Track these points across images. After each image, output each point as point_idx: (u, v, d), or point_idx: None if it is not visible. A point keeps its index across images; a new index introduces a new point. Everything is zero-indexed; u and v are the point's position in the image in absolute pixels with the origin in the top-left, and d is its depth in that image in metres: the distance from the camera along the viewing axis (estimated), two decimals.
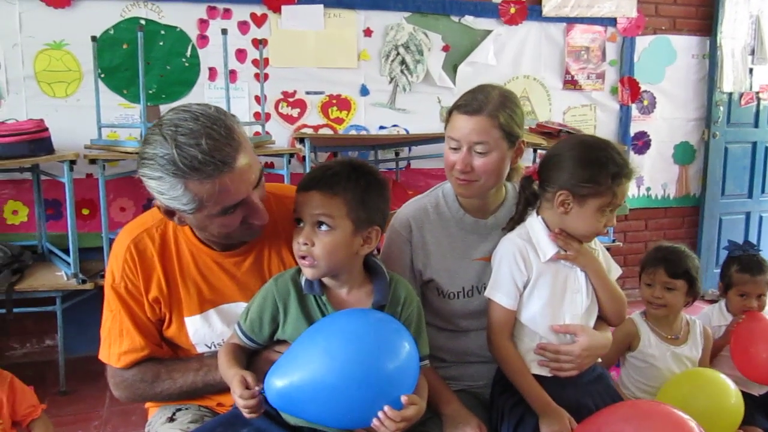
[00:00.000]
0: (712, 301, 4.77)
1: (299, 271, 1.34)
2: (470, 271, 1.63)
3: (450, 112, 1.58)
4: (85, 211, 3.48)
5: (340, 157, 1.34)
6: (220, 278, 1.45)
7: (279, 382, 1.17)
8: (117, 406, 2.99)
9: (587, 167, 1.43)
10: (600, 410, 1.45)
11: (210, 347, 1.47)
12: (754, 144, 4.93)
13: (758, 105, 4.86)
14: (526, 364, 1.51)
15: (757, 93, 4.83)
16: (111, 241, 3.08)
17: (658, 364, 2.05)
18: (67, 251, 3.10)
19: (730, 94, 4.75)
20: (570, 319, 1.51)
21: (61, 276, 3.10)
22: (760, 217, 5.03)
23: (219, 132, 1.21)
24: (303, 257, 1.28)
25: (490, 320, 1.53)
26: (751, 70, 4.78)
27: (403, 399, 1.15)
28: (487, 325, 1.55)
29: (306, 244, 1.26)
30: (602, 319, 1.60)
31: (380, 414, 1.14)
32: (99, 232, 3.25)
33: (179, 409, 1.52)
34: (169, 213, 1.32)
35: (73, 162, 2.96)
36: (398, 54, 3.96)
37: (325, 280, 1.32)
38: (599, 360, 1.60)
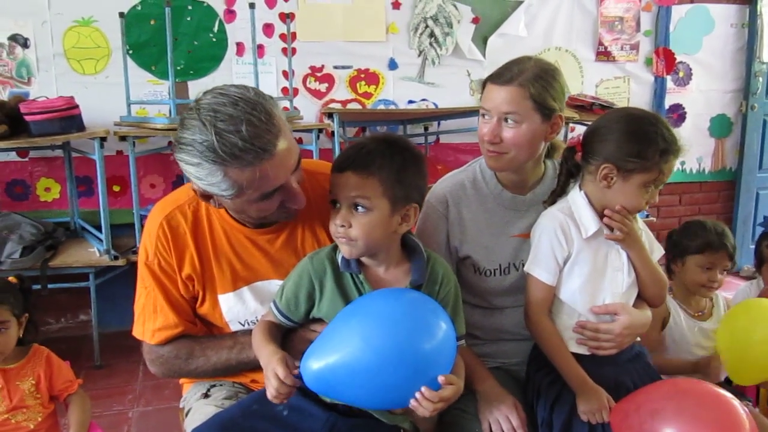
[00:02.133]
0: (748, 278, 4.70)
1: (335, 249, 1.32)
2: (507, 247, 1.59)
3: (484, 84, 1.55)
4: (116, 188, 3.50)
5: (374, 134, 1.31)
6: (253, 255, 1.44)
7: (315, 364, 1.15)
8: (150, 380, 3.03)
9: (635, 141, 1.38)
10: (639, 389, 1.42)
11: (243, 325, 1.46)
12: None
13: None
14: (564, 342, 1.48)
15: None
16: (142, 218, 3.10)
17: (688, 340, 2.01)
18: (99, 228, 3.13)
19: None
20: (611, 298, 1.47)
21: (93, 252, 3.13)
22: None
23: (259, 118, 1.18)
24: (340, 237, 1.26)
25: (529, 296, 1.50)
26: None
27: (440, 379, 1.13)
28: (525, 301, 1.52)
29: (343, 225, 1.24)
30: (640, 298, 1.56)
31: (417, 395, 1.12)
32: (130, 208, 3.27)
33: (214, 386, 1.52)
34: (206, 197, 1.30)
35: (103, 139, 2.98)
36: (427, 26, 3.90)
37: (363, 258, 1.30)
38: (638, 338, 1.56)
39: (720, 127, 4.68)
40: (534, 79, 1.46)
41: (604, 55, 4.30)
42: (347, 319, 1.19)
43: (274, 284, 1.42)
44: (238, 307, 1.45)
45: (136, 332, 1.48)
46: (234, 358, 1.43)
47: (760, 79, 4.60)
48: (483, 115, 1.53)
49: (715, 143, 4.70)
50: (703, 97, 4.58)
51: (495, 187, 1.61)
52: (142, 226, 3.11)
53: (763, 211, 4.83)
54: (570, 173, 1.52)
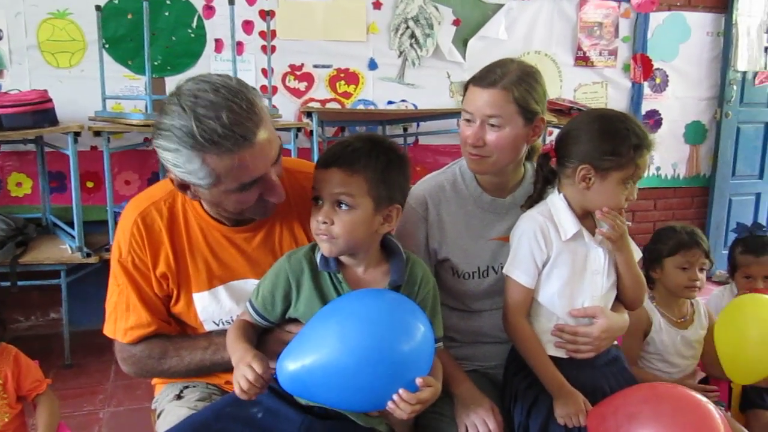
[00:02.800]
0: (721, 283, 4.76)
1: (314, 248, 1.30)
2: (486, 250, 1.59)
3: (466, 86, 1.54)
4: (90, 184, 3.44)
5: (360, 133, 1.29)
6: (230, 254, 1.42)
7: (291, 365, 1.13)
8: (122, 380, 2.98)
9: (608, 140, 1.40)
10: (616, 392, 1.42)
11: (218, 324, 1.44)
12: (767, 124, 4.86)
13: None
14: (542, 345, 1.48)
15: None
16: (116, 215, 3.06)
17: (669, 350, 2.02)
18: (71, 224, 3.07)
19: (744, 73, 4.67)
20: (589, 301, 1.48)
21: (65, 249, 3.07)
22: None
23: (240, 105, 1.16)
24: (321, 234, 1.24)
25: (507, 299, 1.50)
26: (766, 49, 4.70)
27: (419, 381, 1.12)
28: (503, 304, 1.51)
29: (325, 222, 1.22)
30: (618, 301, 1.57)
31: (395, 397, 1.11)
32: (103, 205, 3.22)
33: (187, 387, 1.49)
34: (183, 187, 1.27)
35: (77, 134, 2.92)
36: (408, 27, 3.89)
37: (342, 257, 1.29)
38: (615, 342, 1.56)
39: (695, 133, 4.74)
40: (517, 82, 1.46)
41: (582, 60, 4.33)
42: (325, 320, 1.17)
43: (250, 284, 1.40)
44: (213, 307, 1.42)
45: (107, 331, 1.45)
46: (208, 358, 1.40)
47: (735, 87, 4.67)
48: (466, 119, 1.52)
49: (689, 149, 4.76)
50: (678, 103, 4.63)
51: (475, 189, 1.60)
52: (116, 223, 3.06)
53: (735, 217, 4.89)
54: (546, 179, 1.52)
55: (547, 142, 1.53)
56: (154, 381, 1.60)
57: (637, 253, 1.56)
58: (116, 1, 3.34)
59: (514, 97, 1.45)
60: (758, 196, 4.96)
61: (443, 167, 1.68)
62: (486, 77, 1.48)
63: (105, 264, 3.13)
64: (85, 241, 3.02)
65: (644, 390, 1.36)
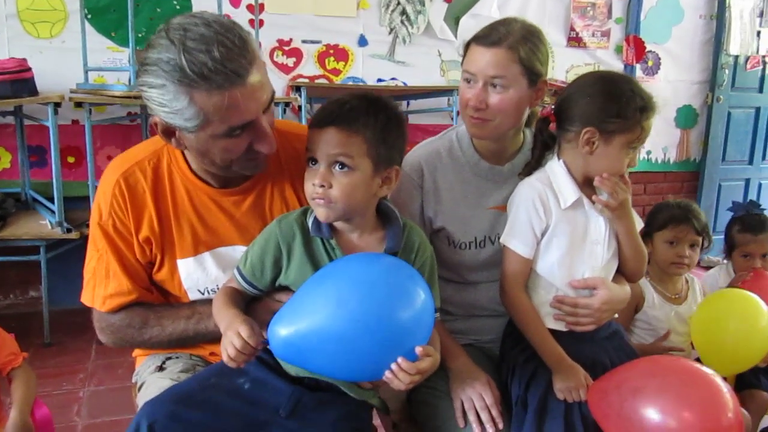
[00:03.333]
0: (707, 268, 4.74)
1: (305, 212, 1.23)
2: (483, 220, 1.53)
3: (467, 45, 1.46)
4: (71, 159, 3.35)
5: (355, 91, 1.21)
6: (217, 218, 1.34)
7: (284, 330, 1.07)
8: (103, 359, 2.91)
9: (613, 101, 1.34)
10: (617, 366, 1.37)
11: (203, 293, 1.37)
12: (758, 109, 4.86)
13: (764, 69, 4.76)
14: (541, 317, 1.43)
15: (764, 57, 4.72)
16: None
17: (662, 326, 1.98)
18: (51, 199, 2.98)
19: (736, 57, 4.64)
20: (590, 272, 1.42)
21: (45, 225, 2.98)
22: (760, 184, 4.98)
23: (233, 41, 1.09)
24: (318, 198, 1.16)
25: (505, 270, 1.44)
26: (758, 33, 4.68)
27: (418, 350, 1.06)
28: (500, 275, 1.45)
29: (323, 185, 1.14)
30: (619, 273, 1.52)
31: (393, 366, 1.05)
32: (85, 180, 3.13)
33: (169, 358, 1.42)
34: (168, 133, 1.19)
35: (57, 105, 2.82)
36: (399, 3, 3.82)
37: (336, 222, 1.22)
38: (616, 315, 1.51)
39: (686, 118, 4.71)
40: (522, 41, 1.39)
41: (575, 40, 4.28)
42: (319, 284, 1.11)
43: (237, 250, 1.33)
44: (197, 274, 1.35)
45: (85, 298, 1.38)
46: (192, 328, 1.33)
47: (727, 71, 4.64)
48: (466, 80, 1.44)
49: (680, 134, 4.73)
50: (670, 87, 4.59)
51: (472, 156, 1.54)
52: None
53: (725, 202, 4.88)
54: (545, 145, 1.46)
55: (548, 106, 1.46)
56: (135, 353, 1.53)
57: (639, 223, 1.51)
58: None
59: (519, 57, 1.38)
60: (747, 181, 4.95)
61: (439, 134, 1.62)
62: (489, 36, 1.40)
63: (86, 240, 3.03)
64: (65, 216, 2.92)
65: (648, 363, 1.32)
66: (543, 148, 1.45)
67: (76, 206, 3.17)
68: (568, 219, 1.40)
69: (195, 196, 1.33)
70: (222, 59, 1.07)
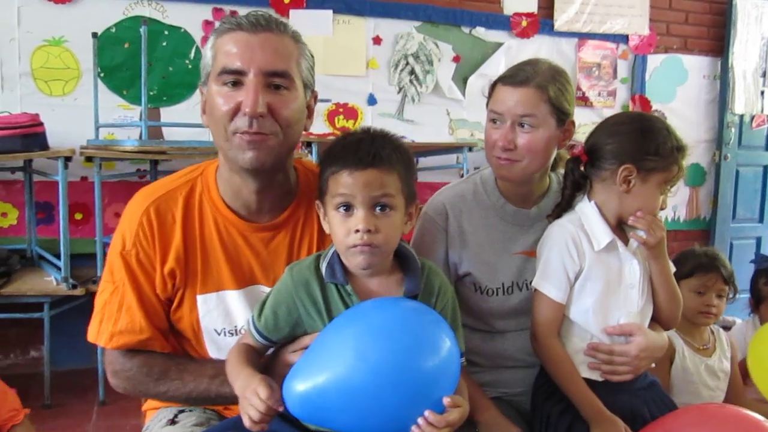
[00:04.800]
0: (725, 328, 4.63)
1: (318, 258, 1.17)
2: (510, 265, 1.47)
3: (493, 86, 1.45)
4: (78, 216, 3.30)
5: (362, 128, 1.17)
6: (243, 255, 1.29)
7: (301, 385, 0.99)
8: (105, 421, 2.79)
9: (651, 139, 1.32)
10: (660, 417, 1.29)
11: (219, 334, 1.29)
12: (765, 168, 4.84)
13: None
14: (576, 366, 1.35)
15: None
16: (105, 246, 2.91)
17: (693, 379, 1.90)
18: (57, 256, 2.92)
19: (742, 116, 4.67)
20: (625, 318, 1.36)
21: (50, 281, 2.91)
22: None
23: (271, 17, 1.21)
24: (362, 245, 1.08)
25: (536, 315, 1.37)
26: (762, 93, 4.71)
27: (446, 401, 0.99)
28: (532, 322, 1.39)
29: (369, 230, 1.07)
30: (654, 321, 1.45)
31: (420, 420, 0.98)
32: (92, 238, 3.08)
33: (182, 411, 1.33)
34: (203, 86, 1.25)
35: (68, 159, 2.79)
36: (407, 63, 3.85)
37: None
38: (653, 365, 1.44)
39: (694, 176, 4.70)
40: (551, 81, 1.38)
41: (582, 100, 4.30)
42: (337, 333, 1.04)
43: (261, 290, 1.28)
44: (217, 312, 1.28)
45: (90, 334, 1.29)
46: (214, 390, 1.24)
47: (733, 129, 4.66)
48: (493, 120, 1.42)
49: (689, 192, 4.71)
50: None
51: (498, 200, 1.49)
52: (104, 256, 2.92)
53: (737, 260, 4.81)
54: (576, 185, 1.42)
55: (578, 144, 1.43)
56: (145, 407, 1.45)
57: (672, 267, 1.45)
58: (113, 30, 3.27)
59: (548, 97, 1.36)
60: (759, 240, 4.89)
61: (463, 177, 1.58)
62: (517, 75, 1.39)
63: (91, 298, 2.97)
64: (71, 274, 2.86)
65: (696, 412, 1.25)
66: (574, 188, 1.41)
67: (83, 264, 3.11)
68: (601, 262, 1.35)
69: (223, 230, 1.28)
70: (249, 15, 1.20)
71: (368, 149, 1.10)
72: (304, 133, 1.31)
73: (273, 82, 1.18)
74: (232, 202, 1.28)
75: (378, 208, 1.09)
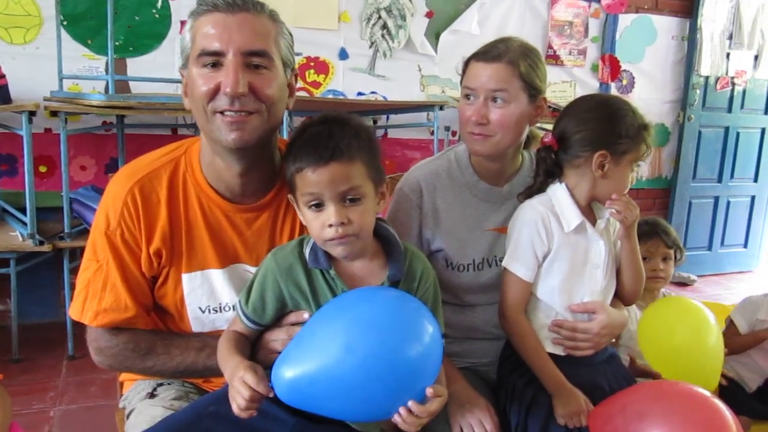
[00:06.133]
0: (679, 284, 4.79)
1: (301, 243, 1.19)
2: (482, 241, 1.52)
3: (467, 62, 1.46)
4: (43, 169, 3.24)
5: (321, 116, 1.18)
6: (227, 235, 1.30)
7: (289, 372, 1.03)
8: (74, 376, 2.82)
9: (618, 122, 1.36)
10: (618, 391, 1.37)
11: (204, 311, 1.31)
12: (727, 129, 4.95)
13: (732, 90, 4.87)
14: (541, 342, 1.42)
15: (733, 78, 4.83)
16: (71, 201, 2.88)
17: None
18: (23, 210, 2.87)
19: (707, 77, 4.74)
20: (589, 296, 1.42)
21: (15, 236, 2.88)
22: (728, 202, 5.07)
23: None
24: (338, 238, 1.10)
25: (505, 293, 1.43)
26: (728, 55, 4.78)
27: (428, 392, 1.04)
28: (500, 299, 1.44)
29: (343, 223, 1.10)
30: (616, 297, 1.52)
31: (403, 411, 1.02)
32: (57, 191, 3.04)
33: (161, 384, 1.37)
34: (183, 69, 1.24)
35: (32, 113, 2.72)
36: (380, 17, 3.80)
37: None
38: (613, 340, 1.51)
39: (658, 135, 4.78)
40: (522, 57, 1.40)
41: (552, 58, 4.32)
42: (324, 323, 1.07)
43: (243, 269, 1.30)
44: (202, 290, 1.30)
45: (73, 312, 1.30)
46: (201, 362, 1.28)
47: (698, 91, 4.73)
48: (467, 96, 1.44)
49: (653, 151, 4.79)
50: (644, 105, 4.58)
51: (471, 177, 1.52)
52: (71, 209, 2.89)
53: (695, 218, 4.97)
54: (549, 173, 1.45)
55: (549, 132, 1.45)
56: (122, 378, 1.47)
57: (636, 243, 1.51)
58: None
59: (519, 72, 1.39)
60: (716, 199, 5.04)
61: (437, 153, 1.60)
62: (490, 52, 1.41)
63: (58, 253, 2.96)
64: (37, 228, 2.83)
65: (651, 388, 1.32)
66: (546, 175, 1.44)
67: (48, 217, 3.07)
68: (569, 243, 1.40)
69: (207, 210, 1.29)
70: None
71: (326, 143, 1.10)
72: None
73: (252, 62, 1.17)
74: (216, 185, 1.29)
75: (348, 200, 1.11)
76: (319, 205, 1.11)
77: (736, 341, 2.19)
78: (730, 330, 2.23)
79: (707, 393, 1.25)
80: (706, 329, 1.67)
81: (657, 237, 2.03)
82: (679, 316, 1.77)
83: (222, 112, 1.17)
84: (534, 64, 1.43)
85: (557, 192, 1.42)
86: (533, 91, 1.42)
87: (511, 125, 1.41)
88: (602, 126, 1.36)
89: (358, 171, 1.11)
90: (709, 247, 5.05)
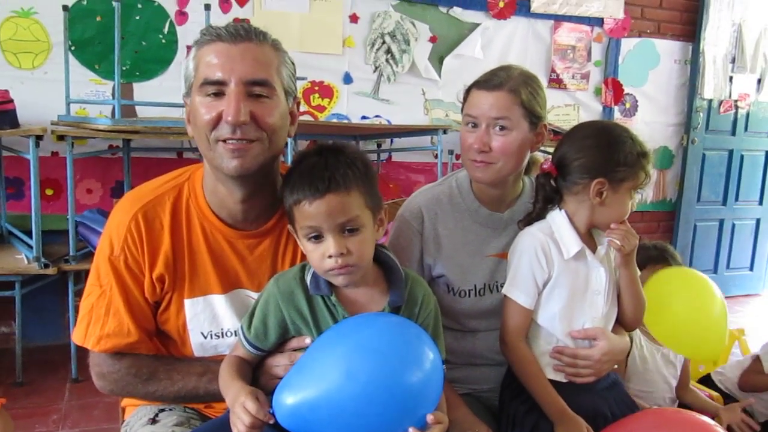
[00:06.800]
0: None
1: (303, 269, 1.20)
2: (483, 267, 1.52)
3: (468, 90, 1.48)
4: (49, 192, 3.27)
5: (316, 147, 1.18)
6: (229, 260, 1.31)
7: (290, 398, 1.04)
8: (77, 399, 2.81)
9: (617, 150, 1.37)
10: (621, 419, 1.36)
11: (206, 337, 1.32)
12: (731, 152, 4.96)
13: (736, 113, 4.89)
14: (542, 368, 1.41)
15: (736, 101, 4.85)
16: (76, 224, 2.90)
17: (649, 367, 1.98)
18: (28, 233, 2.89)
19: (710, 101, 4.76)
20: (590, 322, 1.42)
21: (21, 259, 2.89)
22: (733, 225, 5.06)
23: (251, 28, 1.21)
24: (338, 268, 1.11)
25: (506, 320, 1.43)
26: (731, 78, 4.80)
27: (429, 418, 1.04)
28: (501, 325, 1.44)
29: (342, 253, 1.10)
30: (617, 324, 1.51)
31: None
32: (62, 214, 3.06)
33: (162, 410, 1.36)
34: (186, 98, 1.26)
35: (39, 137, 2.75)
36: (384, 42, 3.84)
37: None
38: (615, 366, 1.50)
39: (662, 159, 4.80)
40: (523, 85, 1.41)
41: (555, 82, 4.35)
42: (326, 350, 1.07)
43: (246, 294, 1.31)
44: (204, 315, 1.31)
45: (76, 337, 1.31)
46: (203, 387, 1.28)
47: (701, 114, 4.75)
48: (468, 124, 1.45)
49: (657, 174, 4.81)
50: (647, 128, 4.67)
51: (472, 203, 1.53)
52: (76, 232, 2.91)
53: (700, 242, 4.97)
54: (548, 200, 1.46)
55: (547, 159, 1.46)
56: (124, 403, 1.47)
57: (638, 272, 1.51)
58: (84, 2, 3.20)
59: (521, 100, 1.40)
60: (721, 222, 5.04)
61: (439, 179, 1.62)
62: (491, 80, 1.43)
63: (63, 276, 2.98)
64: (42, 251, 2.84)
65: (653, 416, 1.32)
66: (545, 202, 1.45)
67: (54, 240, 3.10)
68: (570, 270, 1.40)
69: (210, 236, 1.30)
70: (228, 26, 1.21)
71: (322, 174, 1.11)
72: None
73: (254, 91, 1.19)
74: (218, 211, 1.30)
75: (346, 231, 1.11)
76: (318, 237, 1.12)
77: (760, 379, 2.21)
78: (754, 367, 2.23)
79: (710, 421, 1.25)
80: (709, 299, 1.67)
81: (665, 262, 2.01)
82: (682, 286, 1.77)
83: (224, 140, 1.19)
84: (535, 91, 1.44)
85: (557, 219, 1.42)
86: (534, 118, 1.43)
87: (512, 152, 1.42)
88: (600, 153, 1.37)
89: (355, 201, 1.12)
90: (715, 270, 5.03)
